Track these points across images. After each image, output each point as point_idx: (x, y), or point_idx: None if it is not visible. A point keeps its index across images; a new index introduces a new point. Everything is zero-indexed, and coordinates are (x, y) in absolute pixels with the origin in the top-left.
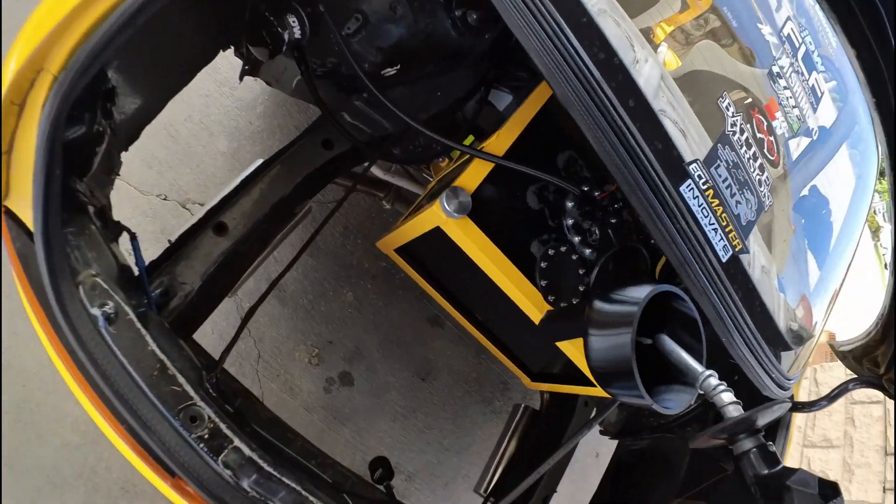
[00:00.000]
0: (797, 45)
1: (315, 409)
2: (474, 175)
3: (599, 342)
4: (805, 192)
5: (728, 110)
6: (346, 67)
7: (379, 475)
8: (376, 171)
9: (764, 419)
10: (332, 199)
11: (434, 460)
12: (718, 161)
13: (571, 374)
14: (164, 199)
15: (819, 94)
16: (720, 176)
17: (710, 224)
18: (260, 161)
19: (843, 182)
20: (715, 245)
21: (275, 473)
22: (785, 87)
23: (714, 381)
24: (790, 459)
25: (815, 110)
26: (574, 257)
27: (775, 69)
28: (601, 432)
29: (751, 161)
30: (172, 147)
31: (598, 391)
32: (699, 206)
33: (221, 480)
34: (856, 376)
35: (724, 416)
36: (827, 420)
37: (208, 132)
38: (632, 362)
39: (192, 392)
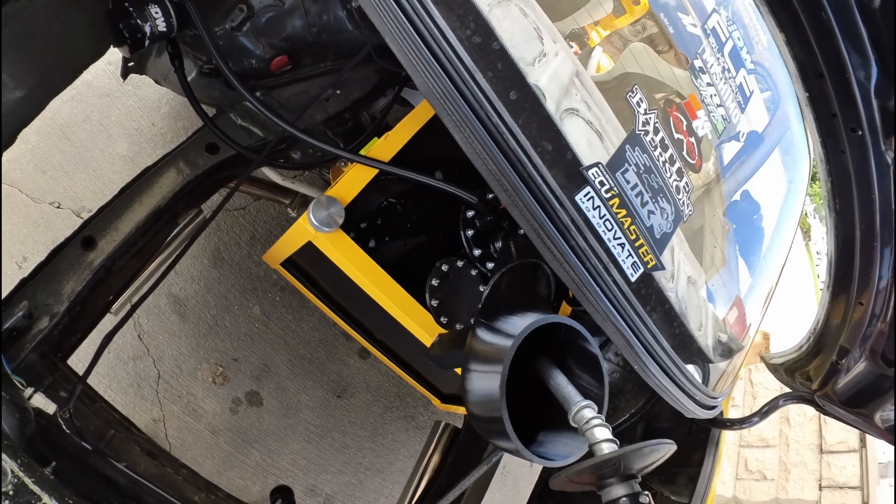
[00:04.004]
0: (723, 39)
1: (221, 431)
2: (352, 182)
3: (475, 380)
4: (736, 196)
5: (639, 107)
6: (234, 63)
7: None
8: (274, 176)
9: (639, 462)
10: (239, 206)
11: (354, 481)
12: (626, 165)
13: None
14: (58, 208)
15: (748, 94)
16: (628, 182)
17: (616, 238)
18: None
19: (775, 186)
20: (621, 263)
21: None
22: (709, 84)
23: (589, 412)
24: (727, 459)
25: (742, 110)
26: (474, 273)
27: (698, 63)
28: None
29: (667, 165)
30: (68, 150)
31: None
32: (601, 218)
33: None
34: (788, 391)
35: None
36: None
37: (107, 134)
38: (501, 406)
39: None
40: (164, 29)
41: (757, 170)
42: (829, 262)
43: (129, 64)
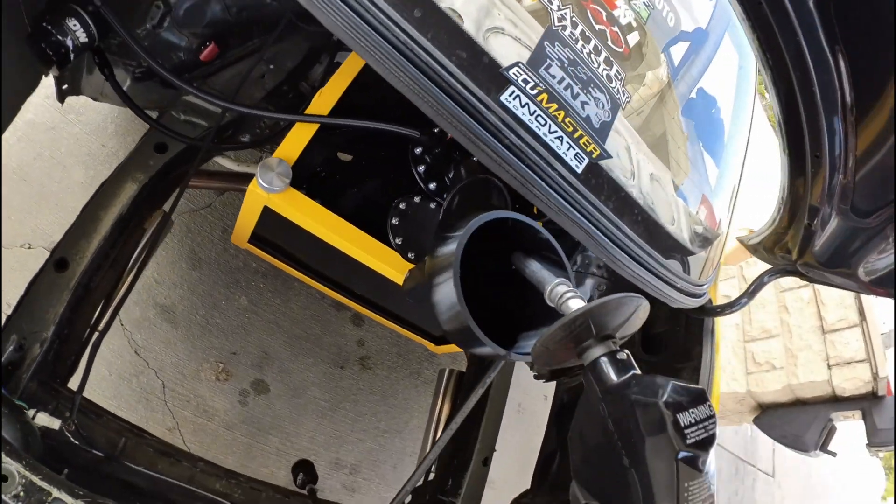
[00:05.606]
0: None
1: (235, 425)
2: (294, 141)
3: (439, 292)
4: (693, 94)
5: (552, 4)
6: (164, 60)
7: (301, 480)
8: (229, 164)
9: (610, 319)
10: (204, 205)
11: (375, 446)
12: (548, 60)
13: None
14: (29, 248)
15: None
16: (553, 77)
17: (552, 132)
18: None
19: (727, 75)
20: (563, 156)
21: None
22: None
23: (563, 288)
24: (735, 356)
25: None
26: (433, 206)
27: None
28: (535, 377)
29: (592, 56)
30: (26, 191)
31: None
32: (531, 115)
33: None
34: (770, 267)
35: None
36: (762, 312)
37: (61, 166)
38: (459, 302)
39: None
40: (86, 39)
41: (708, 65)
42: (778, 121)
43: (63, 87)
